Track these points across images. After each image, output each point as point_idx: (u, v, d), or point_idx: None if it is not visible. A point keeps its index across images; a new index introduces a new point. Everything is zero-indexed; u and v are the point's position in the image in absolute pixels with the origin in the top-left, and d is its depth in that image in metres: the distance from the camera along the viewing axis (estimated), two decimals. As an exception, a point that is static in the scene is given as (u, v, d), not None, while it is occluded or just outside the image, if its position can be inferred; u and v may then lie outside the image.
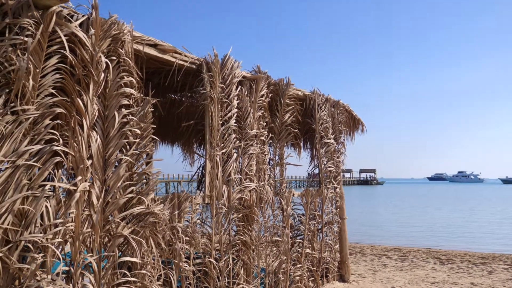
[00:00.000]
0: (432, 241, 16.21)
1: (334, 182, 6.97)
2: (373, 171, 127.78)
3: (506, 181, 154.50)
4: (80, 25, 3.20)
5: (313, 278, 6.42)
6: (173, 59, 4.19)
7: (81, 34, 3.12)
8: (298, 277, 6.03)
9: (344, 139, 7.37)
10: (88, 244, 3.22)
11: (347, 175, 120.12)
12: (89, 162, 3.20)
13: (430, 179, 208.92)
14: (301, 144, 7.13)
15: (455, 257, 11.56)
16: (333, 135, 6.99)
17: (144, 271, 3.55)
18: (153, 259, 3.73)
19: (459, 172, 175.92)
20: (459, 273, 9.27)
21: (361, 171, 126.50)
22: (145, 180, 3.66)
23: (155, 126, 3.73)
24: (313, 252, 6.43)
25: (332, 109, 7.04)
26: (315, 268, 6.47)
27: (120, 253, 3.51)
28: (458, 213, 30.50)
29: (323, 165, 6.74)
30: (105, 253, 3.34)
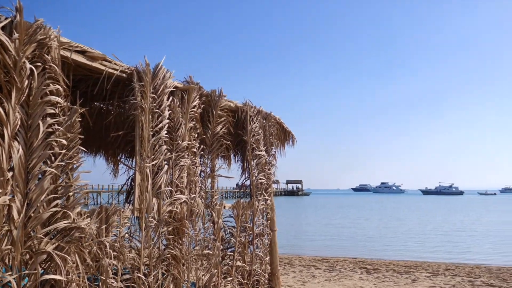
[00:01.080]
0: (360, 251, 16.92)
1: (265, 194, 7.12)
2: (300, 182, 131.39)
3: (426, 192, 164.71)
4: (3, 28, 3.08)
5: (243, 291, 6.48)
6: (103, 67, 4.12)
7: (3, 38, 3.00)
8: (228, 291, 6.06)
9: (275, 151, 7.55)
10: (7, 262, 3.07)
11: (274, 185, 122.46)
12: (10, 174, 3.06)
13: (355, 190, 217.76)
14: (232, 156, 7.22)
15: (380, 267, 12.16)
16: (265, 147, 7.14)
17: (69, 289, 3.43)
18: (79, 276, 3.61)
19: (382, 183, 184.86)
20: (385, 282, 9.76)
21: (288, 182, 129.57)
22: (71, 193, 3.55)
23: (82, 137, 3.64)
24: (244, 264, 6.51)
25: (264, 121, 7.20)
26: (245, 281, 6.54)
27: (43, 270, 3.37)
28: (385, 223, 32.06)
29: (254, 177, 6.86)
30: (26, 271, 3.19)
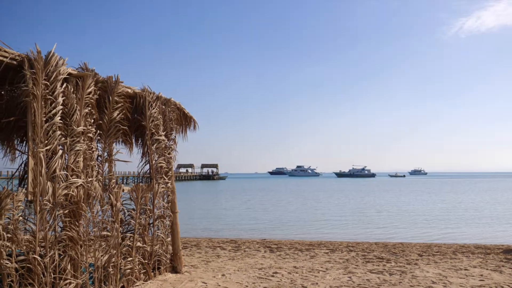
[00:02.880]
0: (272, 233, 17.86)
1: (165, 177, 7.56)
2: (215, 166, 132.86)
3: (340, 174, 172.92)
4: None
5: (144, 271, 6.94)
6: (-9, 54, 4.33)
7: None
8: (129, 270, 6.49)
9: (175, 136, 8.00)
10: None
11: (190, 170, 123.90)
12: None
13: (271, 173, 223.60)
14: (133, 141, 7.57)
15: (284, 245, 13.09)
16: (164, 132, 7.57)
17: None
18: (-30, 257, 3.88)
19: (297, 166, 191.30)
20: (285, 259, 10.61)
21: (203, 166, 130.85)
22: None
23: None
24: (145, 245, 6.95)
25: (163, 106, 7.62)
26: (146, 261, 6.98)
27: None
28: (302, 206, 33.57)
29: (154, 161, 7.28)
30: None
